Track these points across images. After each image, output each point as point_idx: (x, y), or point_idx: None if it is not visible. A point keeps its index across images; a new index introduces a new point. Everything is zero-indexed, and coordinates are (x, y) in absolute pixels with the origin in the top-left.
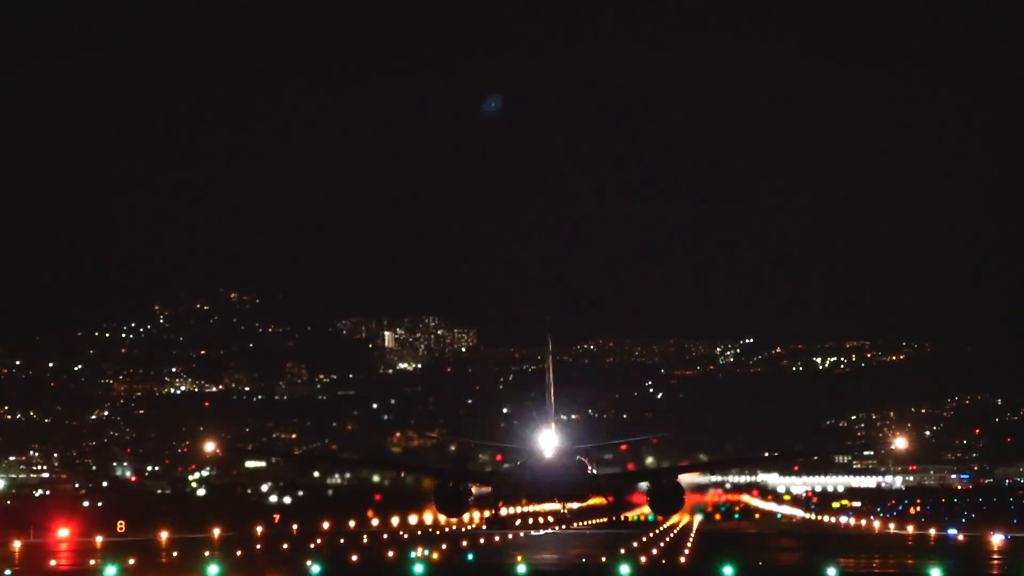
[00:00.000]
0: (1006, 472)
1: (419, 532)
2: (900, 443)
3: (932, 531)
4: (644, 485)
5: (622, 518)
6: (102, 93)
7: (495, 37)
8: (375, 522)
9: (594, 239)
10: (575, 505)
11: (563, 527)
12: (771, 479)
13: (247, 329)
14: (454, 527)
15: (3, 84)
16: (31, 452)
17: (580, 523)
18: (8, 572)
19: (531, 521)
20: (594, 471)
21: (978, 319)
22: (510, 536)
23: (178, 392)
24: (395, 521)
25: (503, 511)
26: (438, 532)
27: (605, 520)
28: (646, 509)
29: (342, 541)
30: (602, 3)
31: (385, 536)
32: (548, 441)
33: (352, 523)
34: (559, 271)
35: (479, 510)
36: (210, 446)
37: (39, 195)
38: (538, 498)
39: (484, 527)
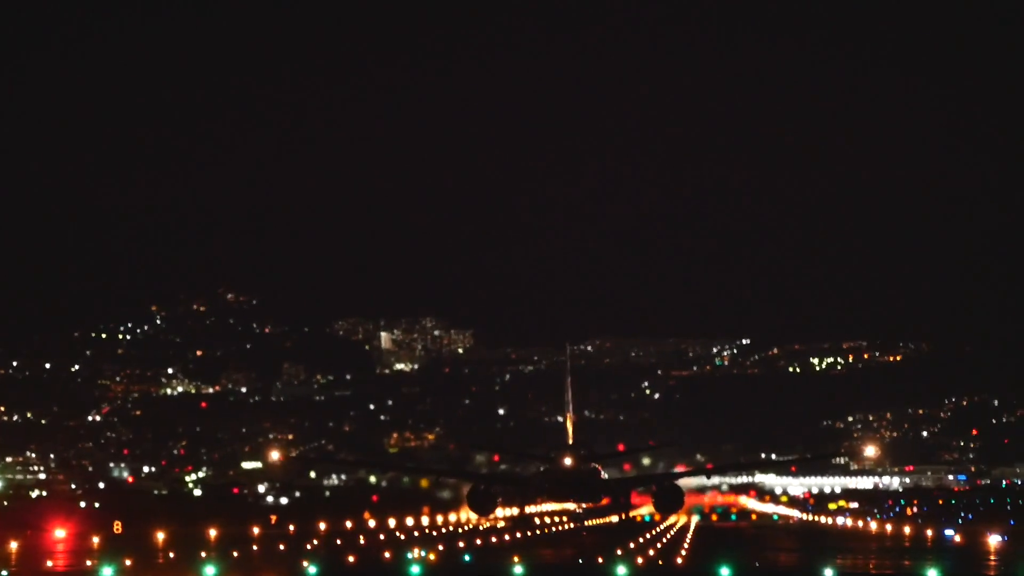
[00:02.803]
0: (1004, 473)
1: (416, 533)
2: (870, 451)
3: (929, 532)
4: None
5: (629, 516)
6: (101, 93)
7: (496, 38)
8: (372, 523)
9: (591, 240)
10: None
11: (578, 524)
12: (768, 480)
13: (244, 330)
14: (484, 524)
15: (4, 84)
16: (28, 453)
17: (592, 521)
18: (4, 573)
19: (552, 519)
20: (606, 476)
21: (975, 320)
22: (507, 537)
23: (175, 393)
24: (392, 522)
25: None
26: (435, 533)
27: (616, 519)
28: (643, 510)
29: (339, 542)
30: (607, 5)
31: (382, 537)
32: (568, 451)
33: (349, 524)
34: (557, 272)
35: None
36: (275, 455)
37: (37, 195)
38: (558, 499)
39: (510, 524)
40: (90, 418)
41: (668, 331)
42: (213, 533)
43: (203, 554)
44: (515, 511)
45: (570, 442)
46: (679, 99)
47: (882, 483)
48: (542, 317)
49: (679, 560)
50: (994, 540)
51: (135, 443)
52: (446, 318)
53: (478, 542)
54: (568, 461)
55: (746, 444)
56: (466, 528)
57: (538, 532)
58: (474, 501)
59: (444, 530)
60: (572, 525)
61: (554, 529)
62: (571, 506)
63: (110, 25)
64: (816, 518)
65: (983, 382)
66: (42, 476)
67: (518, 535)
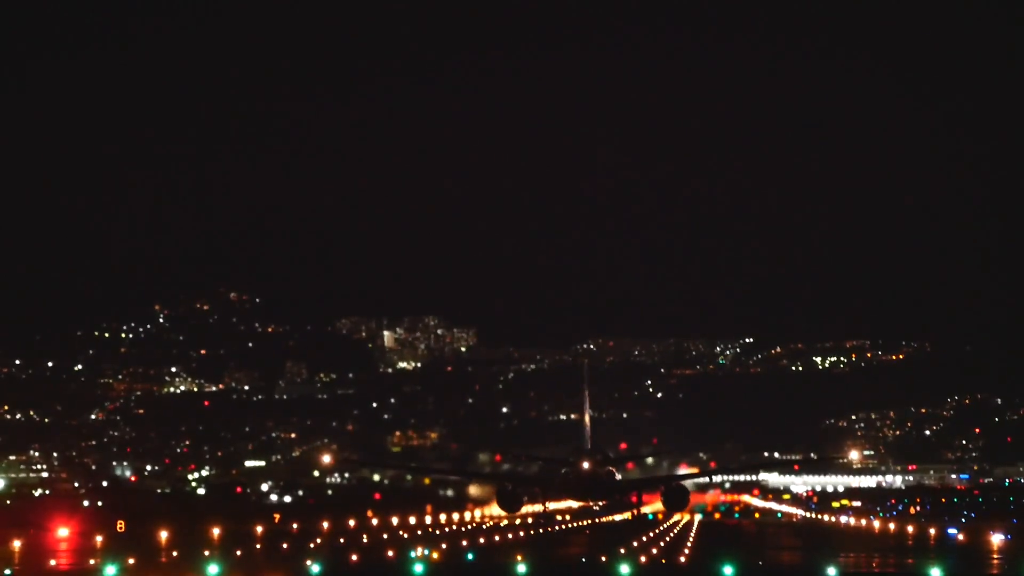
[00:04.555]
0: (1006, 471)
1: (419, 531)
2: (853, 455)
3: (932, 530)
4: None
5: (641, 514)
6: (104, 94)
7: (497, 38)
8: (375, 521)
9: (594, 240)
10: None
11: (594, 519)
12: (771, 478)
13: (247, 329)
14: (507, 522)
15: (4, 84)
16: (31, 452)
17: (606, 517)
18: (8, 572)
19: (565, 516)
20: (619, 477)
21: (977, 319)
22: (510, 535)
23: (178, 392)
24: (395, 520)
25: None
26: (438, 531)
27: (628, 515)
28: (646, 508)
29: (342, 540)
30: (609, 5)
31: (385, 535)
32: (587, 455)
33: (352, 522)
34: (559, 271)
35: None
36: (326, 458)
37: (40, 195)
38: (577, 498)
39: (535, 520)
40: (93, 417)
41: (670, 330)
42: (216, 532)
43: (206, 553)
44: (539, 508)
45: (588, 446)
46: (680, 100)
47: (885, 482)
48: (544, 316)
49: (682, 559)
50: (997, 538)
51: (138, 442)
52: (449, 317)
53: (481, 540)
54: (586, 465)
55: (748, 443)
56: (469, 526)
57: (542, 531)
58: (503, 500)
59: (447, 528)
60: (586, 522)
61: (560, 527)
62: (575, 505)
63: (111, 26)
64: (819, 516)
65: (985, 381)
66: (45, 475)
67: (521, 533)
